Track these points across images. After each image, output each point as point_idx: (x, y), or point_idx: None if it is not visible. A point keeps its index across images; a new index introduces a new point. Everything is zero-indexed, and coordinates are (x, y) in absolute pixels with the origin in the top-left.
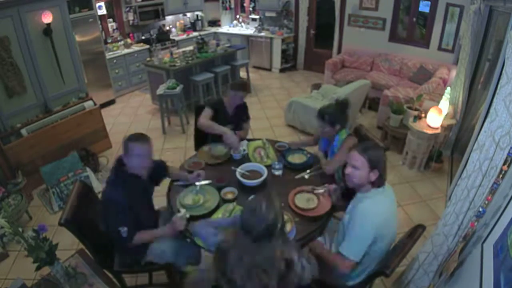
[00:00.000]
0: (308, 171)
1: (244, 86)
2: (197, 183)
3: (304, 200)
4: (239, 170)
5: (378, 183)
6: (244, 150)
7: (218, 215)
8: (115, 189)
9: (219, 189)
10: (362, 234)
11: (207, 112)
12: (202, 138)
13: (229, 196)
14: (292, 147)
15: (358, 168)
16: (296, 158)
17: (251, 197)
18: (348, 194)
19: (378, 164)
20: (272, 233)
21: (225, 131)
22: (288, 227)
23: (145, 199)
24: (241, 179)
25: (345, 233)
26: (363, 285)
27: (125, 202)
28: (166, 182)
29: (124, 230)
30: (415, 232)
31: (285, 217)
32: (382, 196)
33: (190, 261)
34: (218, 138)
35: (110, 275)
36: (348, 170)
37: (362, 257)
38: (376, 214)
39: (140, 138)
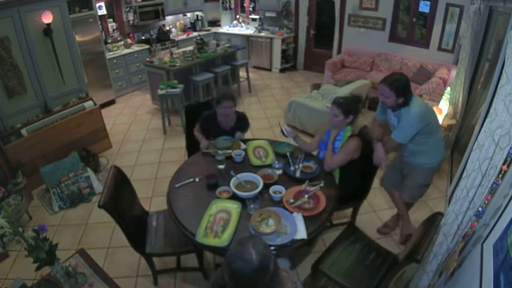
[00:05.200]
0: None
1: (230, 95)
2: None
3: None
4: (234, 179)
5: (404, 103)
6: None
7: (210, 211)
8: None
9: (211, 187)
10: (410, 122)
11: (197, 127)
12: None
13: (225, 195)
14: (297, 142)
15: (387, 97)
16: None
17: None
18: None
19: (403, 91)
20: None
21: (202, 143)
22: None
23: None
24: (234, 190)
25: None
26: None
27: None
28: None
29: None
30: (435, 219)
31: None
32: (415, 102)
33: None
34: (217, 134)
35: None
36: (381, 98)
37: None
38: (416, 107)
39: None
